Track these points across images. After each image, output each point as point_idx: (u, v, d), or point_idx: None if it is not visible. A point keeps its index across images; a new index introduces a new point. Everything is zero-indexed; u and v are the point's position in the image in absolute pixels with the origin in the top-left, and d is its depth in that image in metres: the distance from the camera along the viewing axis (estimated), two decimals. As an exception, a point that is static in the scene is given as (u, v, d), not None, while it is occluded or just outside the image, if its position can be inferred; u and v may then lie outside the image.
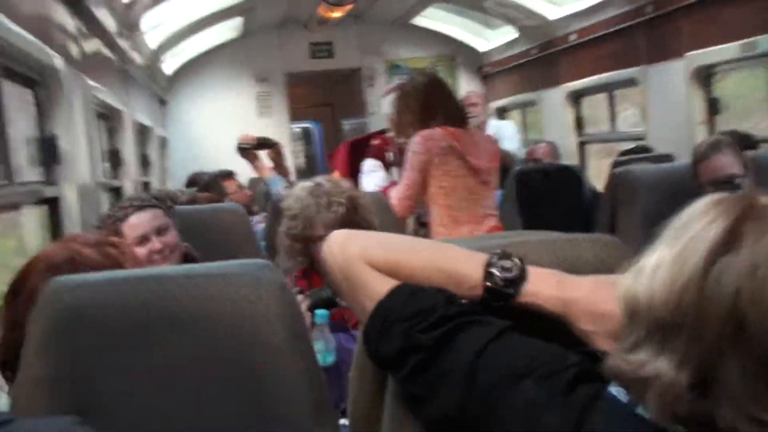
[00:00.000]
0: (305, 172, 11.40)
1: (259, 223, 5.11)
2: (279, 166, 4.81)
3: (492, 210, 4.00)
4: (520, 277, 1.34)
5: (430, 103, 3.90)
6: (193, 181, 6.79)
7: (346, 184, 3.03)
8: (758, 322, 0.97)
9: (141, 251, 2.85)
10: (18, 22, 2.79)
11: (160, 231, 2.94)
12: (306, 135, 14.08)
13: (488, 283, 1.34)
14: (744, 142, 3.82)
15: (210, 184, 5.79)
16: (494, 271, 1.34)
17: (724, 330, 0.98)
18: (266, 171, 4.74)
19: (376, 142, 4.79)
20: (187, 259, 3.01)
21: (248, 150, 4.71)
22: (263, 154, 4.78)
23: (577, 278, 1.35)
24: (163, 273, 1.61)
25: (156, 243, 2.90)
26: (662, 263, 1.05)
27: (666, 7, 5.69)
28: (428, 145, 3.78)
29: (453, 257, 1.39)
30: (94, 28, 4.49)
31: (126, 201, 3.06)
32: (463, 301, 1.34)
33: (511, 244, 1.46)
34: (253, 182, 7.35)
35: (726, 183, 3.26)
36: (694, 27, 5.46)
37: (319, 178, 3.02)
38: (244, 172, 5.79)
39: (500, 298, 1.34)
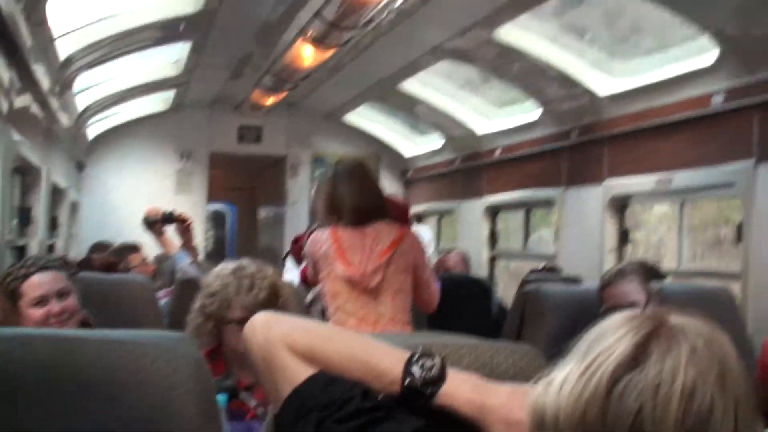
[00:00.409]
0: (213, 255, 11.30)
1: (161, 297, 5.01)
2: (187, 242, 4.75)
3: (392, 315, 3.82)
4: (439, 378, 1.34)
5: (336, 196, 3.89)
6: (96, 249, 6.62)
7: (270, 270, 3.00)
8: None
9: (37, 313, 2.78)
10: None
11: (61, 294, 2.86)
12: (218, 217, 14.00)
13: (407, 380, 1.34)
14: (651, 272, 3.92)
15: (116, 254, 5.67)
16: (414, 369, 1.34)
17: None
18: (172, 247, 4.70)
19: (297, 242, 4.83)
20: (83, 326, 2.92)
21: (154, 224, 4.67)
22: (171, 229, 4.74)
23: (494, 385, 1.36)
24: (77, 335, 1.56)
25: (55, 306, 2.82)
26: (570, 377, 1.05)
27: (589, 134, 5.91)
28: (312, 249, 3.87)
29: (373, 350, 1.39)
30: (29, 82, 4.44)
31: (30, 259, 2.97)
32: (380, 396, 1.34)
33: (433, 345, 1.47)
34: (159, 258, 7.23)
35: (626, 310, 3.31)
36: (615, 157, 5.67)
37: (244, 261, 2.98)
38: (153, 246, 5.71)
39: (417, 397, 1.33)
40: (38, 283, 2.83)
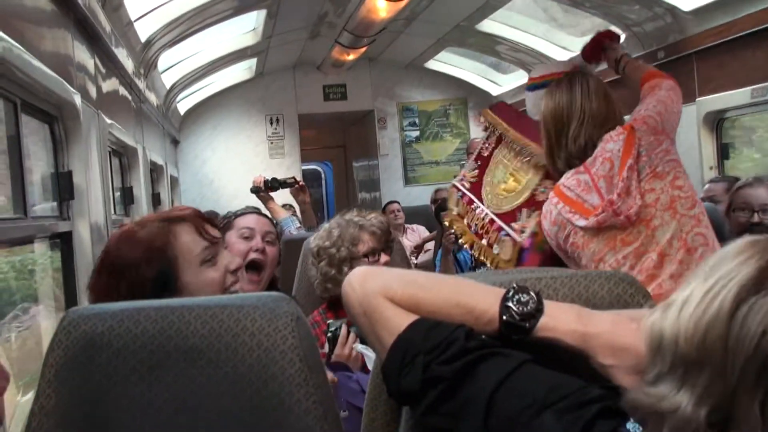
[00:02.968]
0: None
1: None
2: (302, 203, 4.81)
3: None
4: (537, 310, 1.35)
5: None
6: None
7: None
8: None
9: (241, 246, 2.93)
10: (40, 58, 2.83)
11: (266, 236, 3.01)
12: (314, 177, 14.12)
13: (504, 317, 1.35)
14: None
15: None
16: (511, 305, 1.35)
17: (747, 369, 0.97)
18: (280, 212, 4.76)
19: None
20: (272, 283, 3.05)
21: (259, 191, 4.74)
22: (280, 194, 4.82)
23: (596, 312, 1.36)
24: (180, 304, 1.61)
25: (259, 242, 2.97)
26: (691, 299, 1.04)
27: (676, 53, 5.73)
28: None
29: (470, 292, 1.40)
30: (113, 67, 4.55)
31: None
32: (483, 336, 1.35)
33: (526, 279, 1.47)
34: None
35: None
36: (705, 73, 5.50)
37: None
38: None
39: (517, 332, 1.35)
40: (251, 219, 3.05)
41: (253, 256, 2.92)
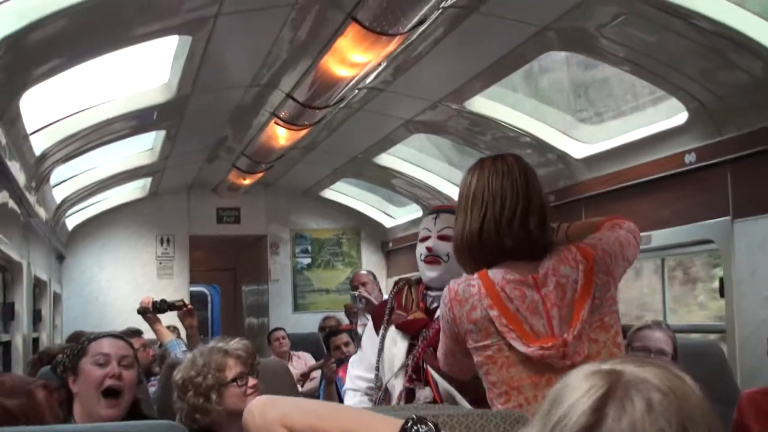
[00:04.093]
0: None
1: (153, 385, 4.97)
2: (189, 327, 4.72)
3: None
4: None
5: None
6: (72, 339, 6.54)
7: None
8: None
9: (97, 373, 2.83)
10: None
11: (122, 360, 2.91)
12: (201, 299, 13.94)
13: None
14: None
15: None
16: None
17: None
18: (167, 335, 4.67)
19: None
20: (134, 406, 2.95)
21: (146, 313, 4.66)
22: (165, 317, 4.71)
23: None
24: (72, 429, 1.55)
25: (115, 367, 2.86)
26: None
27: (565, 197, 5.96)
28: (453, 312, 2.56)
29: (369, 423, 1.40)
30: (4, 179, 4.45)
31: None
32: None
33: (425, 415, 1.47)
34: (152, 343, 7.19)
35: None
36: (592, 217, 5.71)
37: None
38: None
39: None
40: (107, 344, 2.93)
41: (109, 383, 2.84)
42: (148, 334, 5.19)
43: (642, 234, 4.92)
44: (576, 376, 1.07)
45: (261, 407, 1.44)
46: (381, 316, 3.20)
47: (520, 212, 2.40)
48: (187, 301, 4.93)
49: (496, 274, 2.36)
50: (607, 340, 2.36)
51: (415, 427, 1.36)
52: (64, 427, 1.61)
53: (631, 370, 1.04)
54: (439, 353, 2.53)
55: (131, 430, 1.55)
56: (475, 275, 2.39)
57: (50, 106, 5.36)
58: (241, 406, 2.72)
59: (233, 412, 2.76)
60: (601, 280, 2.36)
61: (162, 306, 4.72)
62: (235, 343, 2.98)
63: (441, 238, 3.02)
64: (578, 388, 1.04)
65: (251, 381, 2.92)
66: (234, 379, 2.88)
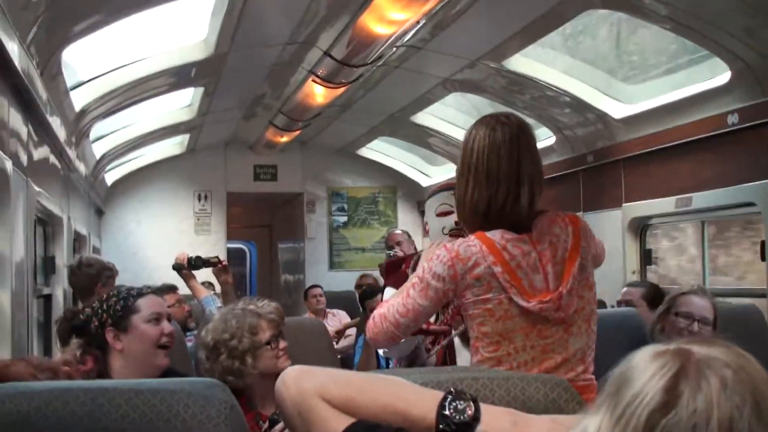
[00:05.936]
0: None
1: (190, 341, 5.03)
2: (224, 283, 4.75)
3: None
4: (474, 419, 1.33)
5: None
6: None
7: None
8: None
9: (152, 331, 2.84)
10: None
11: (169, 318, 2.97)
12: (238, 255, 14.02)
13: (441, 426, 1.33)
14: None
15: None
16: (447, 413, 1.34)
17: None
18: (201, 291, 4.70)
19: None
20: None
21: (181, 269, 4.69)
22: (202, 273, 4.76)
23: (532, 419, 1.35)
24: (111, 386, 1.57)
25: (168, 326, 2.90)
26: (603, 427, 1.04)
27: (604, 158, 5.90)
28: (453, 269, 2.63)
29: (407, 396, 1.39)
30: (45, 135, 4.49)
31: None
32: None
33: (463, 380, 1.47)
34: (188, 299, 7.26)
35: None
36: (632, 179, 5.66)
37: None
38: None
39: None
40: (156, 302, 2.95)
41: (165, 340, 2.87)
42: (184, 290, 5.24)
43: (682, 196, 4.95)
44: (642, 357, 1.06)
45: (295, 377, 1.42)
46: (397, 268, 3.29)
47: (514, 184, 2.51)
48: (222, 258, 4.95)
49: (494, 234, 2.48)
50: (590, 297, 2.55)
51: (454, 404, 1.35)
52: (108, 383, 1.63)
53: (698, 349, 1.04)
54: (394, 314, 2.53)
55: (173, 388, 1.56)
56: (472, 236, 2.51)
57: (90, 63, 5.40)
58: (274, 368, 2.78)
59: (267, 374, 2.81)
60: (585, 244, 2.55)
61: (197, 262, 4.76)
62: (267, 306, 3.02)
63: None
64: (648, 368, 1.04)
65: (282, 343, 2.95)
66: (268, 342, 2.91)
